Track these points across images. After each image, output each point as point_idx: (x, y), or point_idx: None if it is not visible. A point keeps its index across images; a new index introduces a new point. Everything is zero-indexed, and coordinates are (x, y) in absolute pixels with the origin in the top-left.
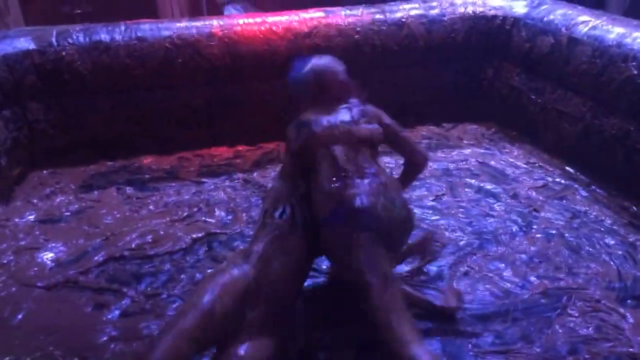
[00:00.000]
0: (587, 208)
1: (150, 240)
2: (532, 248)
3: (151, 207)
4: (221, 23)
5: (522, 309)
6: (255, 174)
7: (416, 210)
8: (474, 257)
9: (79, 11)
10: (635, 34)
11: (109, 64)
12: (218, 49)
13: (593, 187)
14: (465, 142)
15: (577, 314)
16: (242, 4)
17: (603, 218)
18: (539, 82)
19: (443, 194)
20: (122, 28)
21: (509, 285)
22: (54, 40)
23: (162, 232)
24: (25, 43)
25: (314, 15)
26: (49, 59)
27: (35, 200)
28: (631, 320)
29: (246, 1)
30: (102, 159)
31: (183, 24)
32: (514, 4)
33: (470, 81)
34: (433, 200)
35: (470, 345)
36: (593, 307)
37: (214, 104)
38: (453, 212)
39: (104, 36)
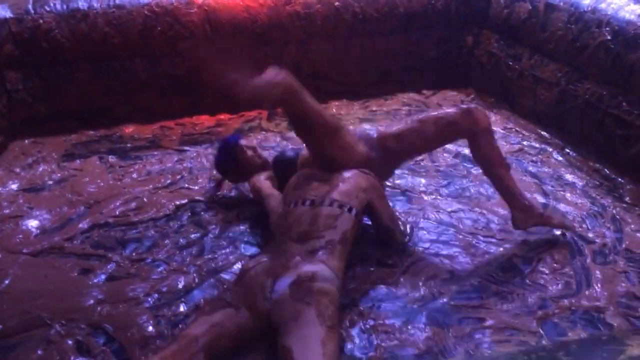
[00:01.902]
0: (561, 171)
1: (134, 207)
2: (506, 209)
3: (134, 175)
4: None
5: (496, 267)
6: None
7: (394, 175)
8: (451, 218)
9: None
10: None
11: (87, 33)
12: (197, 16)
13: (567, 150)
14: (444, 108)
15: (547, 271)
16: None
17: (576, 180)
18: (516, 48)
19: (422, 159)
20: None
21: (483, 244)
22: (30, 7)
23: (145, 200)
24: (1, 11)
25: None
26: (26, 27)
27: (17, 170)
28: (599, 276)
29: None
30: (84, 129)
31: None
32: None
33: (450, 48)
34: (412, 165)
35: (445, 299)
36: (563, 264)
37: (194, 73)
38: (432, 175)
39: (82, 4)
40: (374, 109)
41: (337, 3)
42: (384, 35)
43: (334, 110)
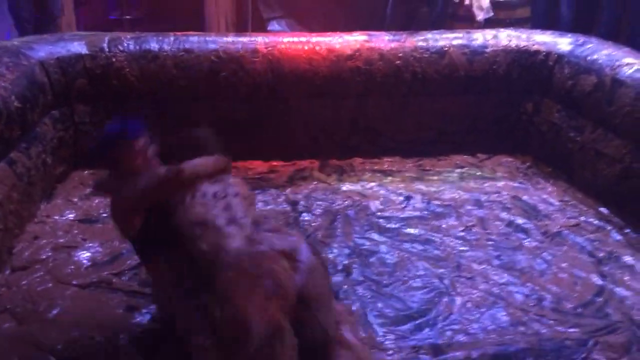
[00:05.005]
0: (620, 251)
1: None
2: (560, 287)
3: None
4: (266, 40)
5: (546, 350)
6: (288, 190)
7: (445, 240)
8: (500, 291)
9: (128, 17)
10: None
11: (156, 73)
12: (261, 65)
13: (627, 230)
14: (499, 174)
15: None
16: (287, 21)
17: (636, 263)
18: (579, 120)
19: (473, 225)
20: (171, 39)
21: (534, 323)
22: (105, 46)
23: None
24: (78, 47)
25: (357, 38)
26: (100, 64)
27: (75, 200)
28: None
29: (291, 18)
30: None
31: (230, 38)
32: (559, 41)
33: (509, 114)
34: (462, 231)
35: None
36: (620, 353)
37: (252, 119)
38: (482, 244)
39: (154, 45)
40: (427, 168)
41: (398, 62)
42: (442, 96)
43: (386, 166)
